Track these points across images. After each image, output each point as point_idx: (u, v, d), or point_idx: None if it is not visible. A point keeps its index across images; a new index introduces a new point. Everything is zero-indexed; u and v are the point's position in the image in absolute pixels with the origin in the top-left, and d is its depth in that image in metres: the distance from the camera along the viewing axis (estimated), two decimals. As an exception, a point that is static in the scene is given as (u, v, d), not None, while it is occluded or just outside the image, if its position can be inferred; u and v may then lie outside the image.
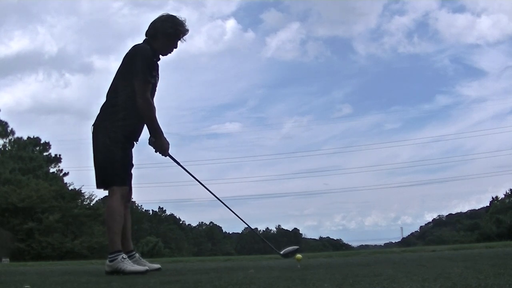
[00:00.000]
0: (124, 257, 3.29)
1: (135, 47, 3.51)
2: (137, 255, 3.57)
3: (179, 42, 3.59)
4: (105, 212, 3.53)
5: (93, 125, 3.50)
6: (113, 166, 3.37)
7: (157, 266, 3.61)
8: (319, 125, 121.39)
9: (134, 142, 3.58)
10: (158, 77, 3.58)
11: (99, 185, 3.46)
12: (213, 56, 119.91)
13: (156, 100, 3.56)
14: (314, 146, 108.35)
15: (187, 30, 3.55)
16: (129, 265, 3.27)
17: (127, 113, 3.42)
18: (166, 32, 3.50)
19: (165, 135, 3.54)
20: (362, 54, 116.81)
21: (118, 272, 3.21)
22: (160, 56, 3.59)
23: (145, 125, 3.55)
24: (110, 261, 3.27)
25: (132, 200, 3.69)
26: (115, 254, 3.27)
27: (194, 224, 74.27)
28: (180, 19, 3.56)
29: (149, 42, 3.52)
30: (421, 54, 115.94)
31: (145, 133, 3.61)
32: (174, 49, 3.60)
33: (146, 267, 3.37)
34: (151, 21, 3.59)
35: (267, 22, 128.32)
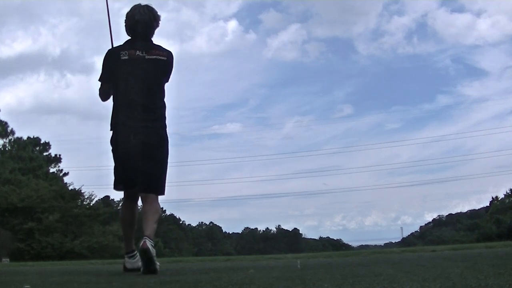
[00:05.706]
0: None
1: None
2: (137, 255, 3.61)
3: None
4: None
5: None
6: (114, 171, 3.50)
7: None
8: (320, 125, 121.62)
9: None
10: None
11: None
12: (214, 57, 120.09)
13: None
14: (314, 146, 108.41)
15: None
16: (129, 264, 3.54)
17: (113, 119, 3.47)
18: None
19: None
20: (362, 54, 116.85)
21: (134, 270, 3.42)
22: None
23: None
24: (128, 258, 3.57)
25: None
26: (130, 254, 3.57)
27: (194, 224, 74.31)
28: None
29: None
30: (422, 54, 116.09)
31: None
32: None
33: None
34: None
35: (268, 23, 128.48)
